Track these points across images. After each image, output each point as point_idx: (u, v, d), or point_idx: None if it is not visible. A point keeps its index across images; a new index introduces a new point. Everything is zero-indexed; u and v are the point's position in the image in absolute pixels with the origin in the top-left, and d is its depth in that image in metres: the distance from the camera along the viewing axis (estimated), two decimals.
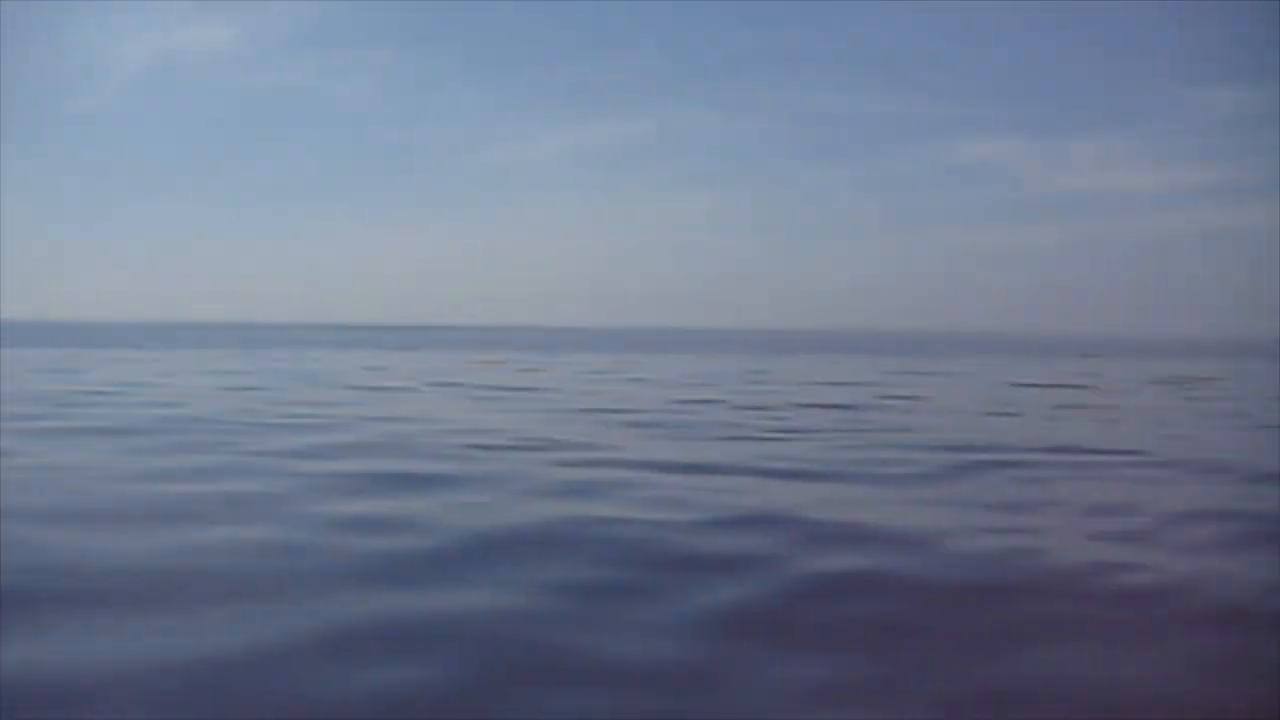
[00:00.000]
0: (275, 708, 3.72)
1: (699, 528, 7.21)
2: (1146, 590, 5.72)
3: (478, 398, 19.73)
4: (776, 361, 42.04)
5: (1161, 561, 6.42)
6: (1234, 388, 26.48)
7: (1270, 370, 37.99)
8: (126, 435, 12.32)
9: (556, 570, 5.94)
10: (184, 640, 4.51)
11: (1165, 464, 10.96)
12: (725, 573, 5.94)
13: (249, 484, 8.74)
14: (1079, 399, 21.42)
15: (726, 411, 17.05)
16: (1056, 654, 4.61)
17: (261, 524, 7.09)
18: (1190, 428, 15.28)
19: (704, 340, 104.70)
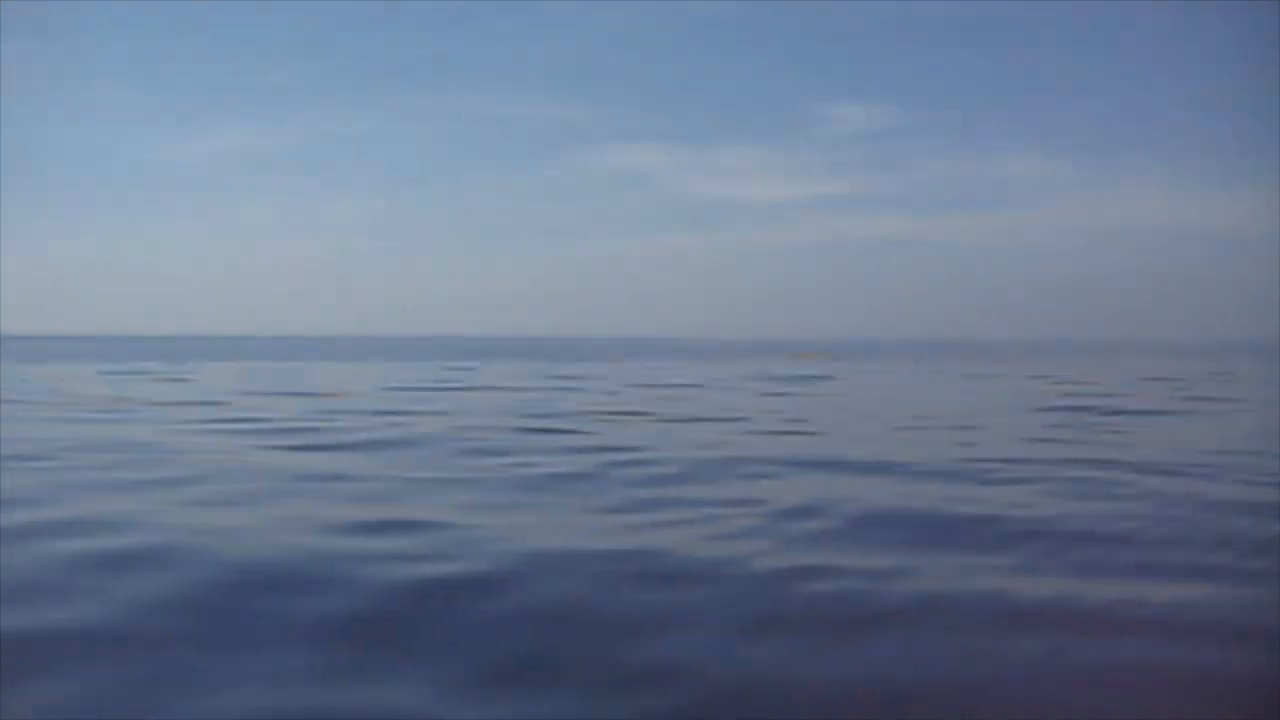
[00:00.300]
0: None
1: (336, 534, 7.08)
2: (765, 578, 6.04)
3: (101, 410, 18.65)
4: (424, 368, 41.80)
5: (771, 550, 6.79)
6: (843, 386, 28.31)
7: (887, 367, 40.91)
8: None
9: (176, 584, 5.69)
10: None
11: (772, 461, 11.60)
12: (359, 578, 5.85)
13: None
14: (696, 397, 22.36)
15: (368, 419, 16.81)
16: (687, 639, 4.81)
17: None
18: (797, 425, 16.23)
19: (361, 347, 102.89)
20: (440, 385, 27.71)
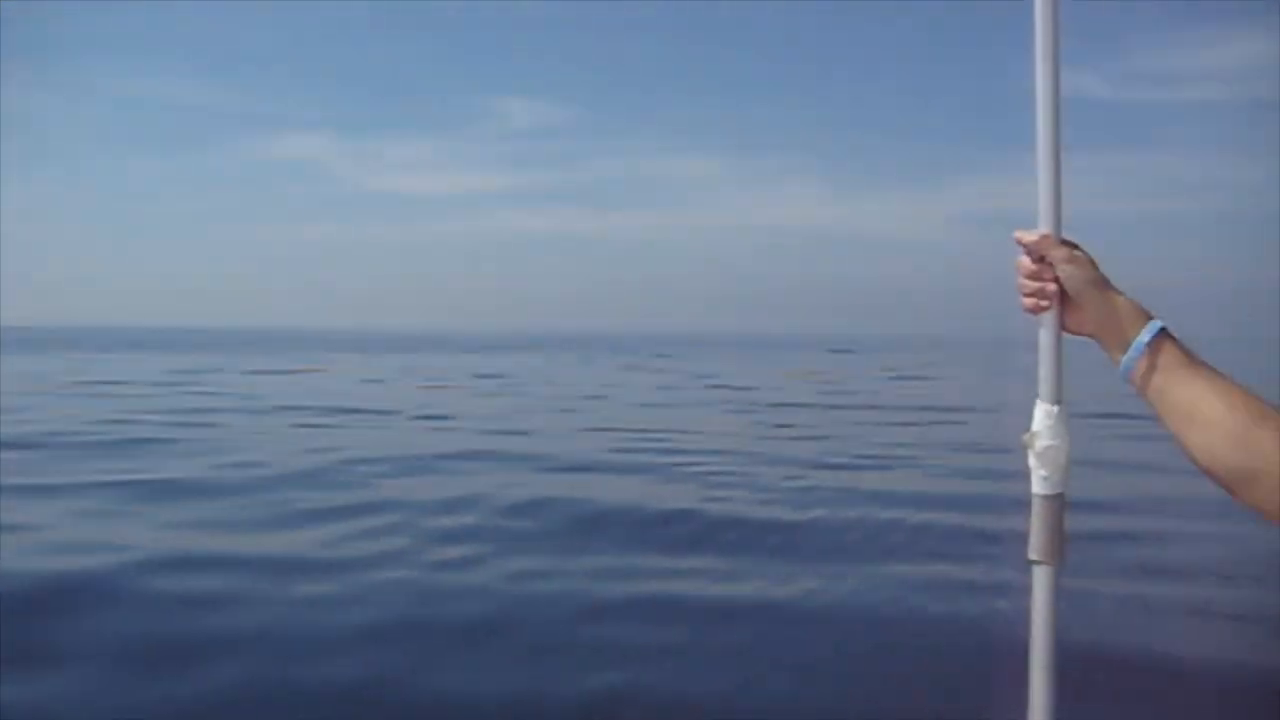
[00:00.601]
0: None
1: None
2: None
3: None
4: (72, 360, 39.20)
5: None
6: (521, 381, 28.42)
7: (554, 361, 41.23)
8: None
9: None
10: None
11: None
12: None
13: None
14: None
15: None
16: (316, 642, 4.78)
17: None
18: (468, 421, 16.18)
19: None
20: (82, 379, 26.00)
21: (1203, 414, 1.32)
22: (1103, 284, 1.42)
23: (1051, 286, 1.43)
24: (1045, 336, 1.46)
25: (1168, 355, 1.37)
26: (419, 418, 16.16)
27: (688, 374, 32.96)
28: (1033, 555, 1.48)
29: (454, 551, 6.56)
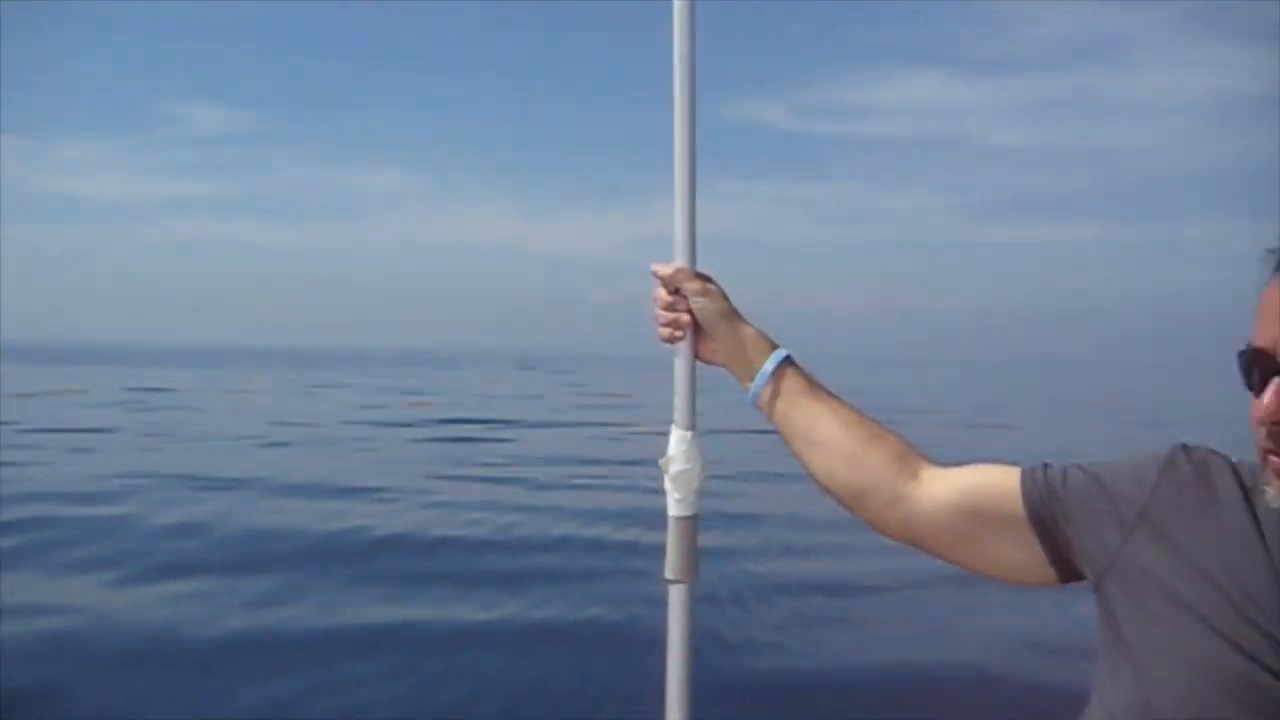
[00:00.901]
0: None
1: None
2: None
3: None
4: None
5: None
6: (194, 397, 27.23)
7: (236, 376, 39.67)
8: None
9: None
10: None
11: None
12: None
13: None
14: None
15: None
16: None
17: None
18: (144, 440, 15.41)
19: None
20: None
21: (821, 436, 1.40)
22: (732, 316, 1.47)
23: (685, 318, 1.47)
24: (680, 365, 1.49)
25: (790, 382, 1.44)
26: (71, 431, 15.19)
27: (371, 389, 32.37)
28: (669, 575, 1.52)
29: (109, 575, 6.23)
